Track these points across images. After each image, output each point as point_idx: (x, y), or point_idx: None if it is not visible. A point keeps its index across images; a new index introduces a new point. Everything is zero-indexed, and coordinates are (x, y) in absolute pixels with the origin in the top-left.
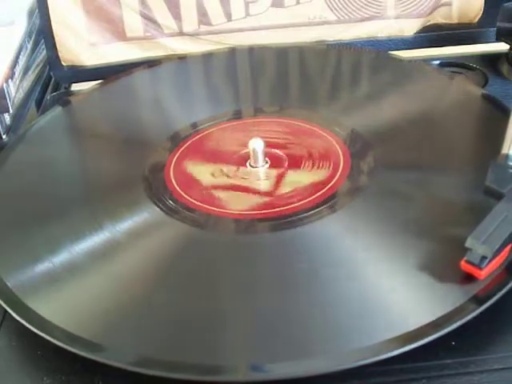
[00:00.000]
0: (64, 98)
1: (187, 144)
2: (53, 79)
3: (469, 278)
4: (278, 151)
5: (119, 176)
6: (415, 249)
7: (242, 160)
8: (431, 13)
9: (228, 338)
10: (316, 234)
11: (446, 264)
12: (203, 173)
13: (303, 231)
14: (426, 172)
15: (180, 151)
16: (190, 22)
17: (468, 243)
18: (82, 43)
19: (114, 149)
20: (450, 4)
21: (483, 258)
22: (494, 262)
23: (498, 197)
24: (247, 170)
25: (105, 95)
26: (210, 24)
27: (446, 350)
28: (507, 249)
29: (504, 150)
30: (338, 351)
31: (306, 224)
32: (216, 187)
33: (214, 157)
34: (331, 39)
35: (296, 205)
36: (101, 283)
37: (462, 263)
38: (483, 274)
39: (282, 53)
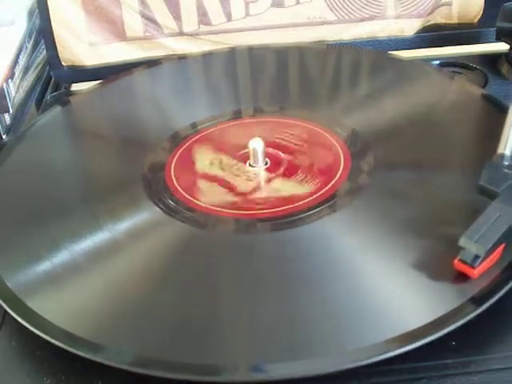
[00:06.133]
0: (64, 98)
1: (188, 143)
2: (53, 79)
3: (469, 278)
4: (280, 153)
5: (119, 176)
6: (415, 249)
7: (244, 158)
8: (431, 13)
9: (228, 338)
10: (316, 233)
11: (446, 264)
12: (202, 161)
13: (303, 231)
14: (426, 172)
15: (181, 150)
16: (190, 22)
17: (461, 242)
18: (82, 43)
19: (113, 148)
20: (450, 4)
21: (476, 257)
22: (487, 261)
23: (493, 196)
24: (244, 167)
25: (105, 95)
26: (209, 24)
27: (445, 349)
28: (500, 248)
29: (500, 150)
30: (337, 351)
31: (306, 224)
32: (204, 176)
33: (218, 149)
34: (331, 39)
35: (296, 204)
36: (101, 283)
37: (456, 262)
38: (476, 272)
39: (281, 53)
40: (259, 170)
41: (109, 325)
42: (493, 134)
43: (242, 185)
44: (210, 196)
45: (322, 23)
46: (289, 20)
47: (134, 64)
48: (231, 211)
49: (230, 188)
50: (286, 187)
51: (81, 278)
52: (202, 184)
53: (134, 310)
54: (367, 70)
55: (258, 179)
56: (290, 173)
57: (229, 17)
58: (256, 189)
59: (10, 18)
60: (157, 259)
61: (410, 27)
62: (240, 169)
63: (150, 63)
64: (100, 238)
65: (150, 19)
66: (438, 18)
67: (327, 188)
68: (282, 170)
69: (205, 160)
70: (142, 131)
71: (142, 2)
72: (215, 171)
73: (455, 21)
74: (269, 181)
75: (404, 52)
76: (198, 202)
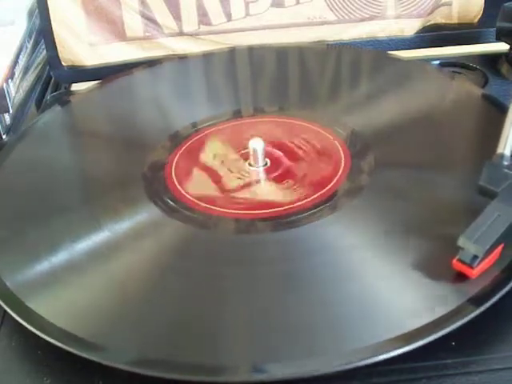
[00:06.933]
0: (64, 98)
1: (188, 143)
2: (53, 79)
3: (468, 278)
4: (280, 153)
5: (119, 175)
6: (414, 249)
7: (244, 156)
8: (431, 13)
9: (228, 338)
10: (316, 233)
11: (445, 264)
12: (205, 154)
13: (303, 231)
14: (426, 172)
15: (181, 150)
16: (190, 22)
17: (460, 242)
18: (82, 43)
19: (113, 148)
20: (450, 4)
21: (475, 257)
22: (485, 261)
23: (492, 196)
24: (243, 166)
25: (104, 95)
26: (210, 24)
27: (445, 350)
28: (499, 248)
29: (499, 150)
30: (337, 351)
31: (306, 224)
32: (201, 167)
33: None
34: (331, 39)
35: (296, 204)
36: (100, 283)
37: (454, 262)
38: (475, 273)
39: (281, 53)
40: (255, 170)
41: (109, 324)
42: (492, 134)
43: (229, 182)
44: (196, 188)
45: (322, 23)
46: (289, 20)
47: (134, 64)
48: (232, 211)
49: (218, 184)
50: (266, 192)
51: (80, 277)
52: (196, 173)
53: (133, 310)
54: (367, 70)
55: (247, 179)
56: (281, 178)
57: (229, 17)
58: (239, 188)
59: (10, 18)
60: (157, 259)
61: (410, 27)
62: (238, 166)
63: (150, 63)
64: (100, 238)
65: (149, 19)
66: (438, 17)
67: (327, 188)
68: (275, 173)
69: (207, 156)
70: (142, 131)
71: (142, 2)
72: (213, 166)
73: (455, 21)
74: (257, 182)
75: (404, 52)
76: (198, 201)
